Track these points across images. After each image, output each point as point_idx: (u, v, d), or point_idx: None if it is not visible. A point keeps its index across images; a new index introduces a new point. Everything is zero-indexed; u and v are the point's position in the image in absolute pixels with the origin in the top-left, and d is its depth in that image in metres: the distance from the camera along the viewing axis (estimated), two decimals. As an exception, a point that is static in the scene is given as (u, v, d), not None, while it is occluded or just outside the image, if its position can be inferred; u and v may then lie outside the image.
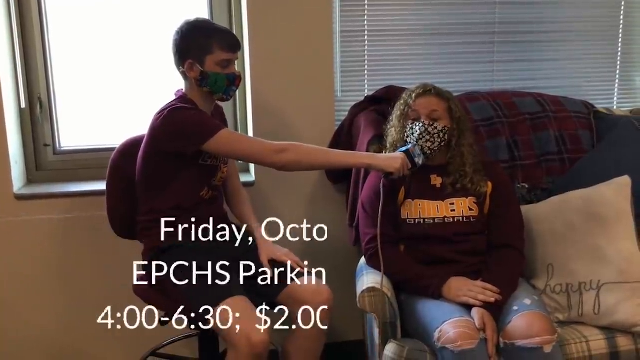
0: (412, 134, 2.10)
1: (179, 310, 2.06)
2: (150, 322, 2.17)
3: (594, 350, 1.99)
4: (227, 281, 1.97)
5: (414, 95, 2.13)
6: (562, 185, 2.37)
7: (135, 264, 2.16)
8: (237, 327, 1.84)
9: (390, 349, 1.94)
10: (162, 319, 2.15)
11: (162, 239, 2.07)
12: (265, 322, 1.88)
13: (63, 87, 2.60)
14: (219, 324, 1.88)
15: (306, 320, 2.00)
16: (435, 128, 2.09)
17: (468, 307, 1.94)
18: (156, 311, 2.15)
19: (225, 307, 1.88)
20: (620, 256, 2.07)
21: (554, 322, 1.98)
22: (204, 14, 2.60)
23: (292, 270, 2.07)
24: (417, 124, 2.09)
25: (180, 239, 2.07)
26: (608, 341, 2.01)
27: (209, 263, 2.01)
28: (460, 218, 2.10)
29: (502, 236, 2.11)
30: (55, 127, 2.60)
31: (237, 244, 2.16)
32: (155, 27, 2.58)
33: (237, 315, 1.86)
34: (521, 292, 2.00)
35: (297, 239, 2.62)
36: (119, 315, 2.56)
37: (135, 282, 2.19)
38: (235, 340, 1.85)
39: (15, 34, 2.45)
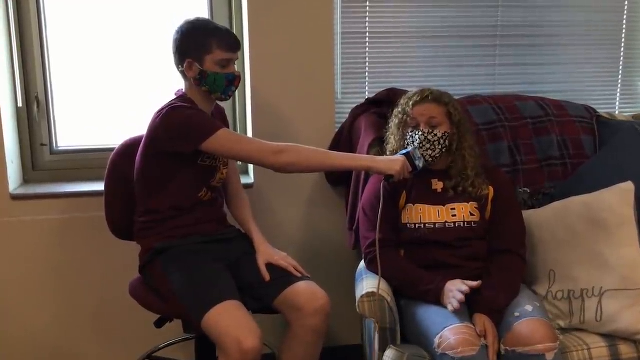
0: (412, 142, 2.08)
1: (174, 313, 2.04)
2: (146, 325, 2.15)
3: (596, 358, 1.97)
4: (221, 285, 1.95)
5: (411, 103, 2.10)
6: (564, 191, 2.35)
7: (132, 265, 2.13)
8: (229, 332, 1.82)
9: (389, 354, 1.92)
10: (158, 321, 2.13)
11: (159, 240, 2.06)
12: (258, 328, 1.85)
13: (61, 86, 2.58)
14: (210, 328, 1.86)
15: (302, 326, 1.97)
16: (435, 135, 2.06)
17: (469, 313, 1.92)
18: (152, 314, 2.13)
19: (217, 311, 1.85)
20: (622, 263, 2.05)
21: (555, 329, 1.96)
22: (204, 14, 2.59)
23: (290, 274, 2.05)
24: (417, 133, 2.07)
25: (177, 240, 2.05)
26: (610, 349, 1.99)
27: (205, 266, 2.00)
28: (462, 223, 2.08)
29: (504, 241, 2.09)
30: (52, 126, 2.58)
31: (235, 247, 2.14)
32: (155, 27, 2.56)
33: (229, 320, 1.84)
34: (523, 298, 1.98)
35: (296, 242, 2.61)
36: (114, 317, 2.55)
37: (131, 283, 2.17)
38: (226, 346, 1.82)
39: (12, 32, 2.43)
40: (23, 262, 2.49)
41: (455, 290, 1.90)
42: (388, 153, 2.16)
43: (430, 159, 2.08)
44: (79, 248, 2.51)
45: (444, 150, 2.09)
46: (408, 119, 2.11)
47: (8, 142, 2.42)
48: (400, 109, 2.14)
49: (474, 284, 1.92)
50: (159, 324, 2.14)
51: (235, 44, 2.04)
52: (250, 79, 2.53)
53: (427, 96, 2.10)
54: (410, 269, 2.05)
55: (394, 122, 2.17)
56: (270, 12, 2.48)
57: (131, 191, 2.13)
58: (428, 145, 2.06)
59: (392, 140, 2.16)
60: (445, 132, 2.08)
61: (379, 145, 2.28)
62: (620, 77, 2.94)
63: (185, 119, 1.95)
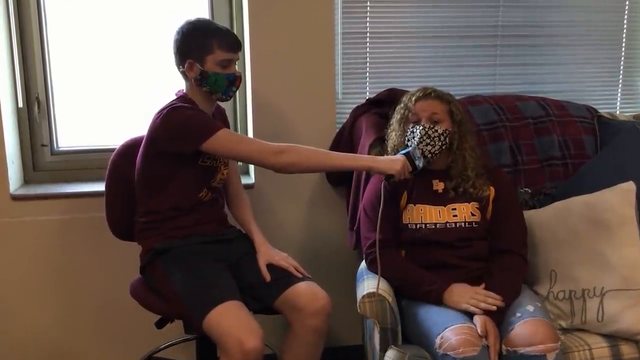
0: (413, 137, 2.08)
1: (175, 313, 2.04)
2: (146, 325, 2.15)
3: (597, 358, 1.97)
4: (222, 285, 1.95)
5: (414, 98, 2.11)
6: (565, 191, 2.34)
7: (132, 266, 2.13)
8: (230, 332, 1.82)
9: (390, 355, 1.92)
10: (159, 322, 2.13)
11: (160, 240, 2.05)
12: (259, 328, 1.84)
13: (61, 87, 2.58)
14: (211, 329, 1.86)
15: (303, 326, 1.97)
16: (436, 131, 2.06)
17: (470, 314, 1.92)
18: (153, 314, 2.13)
19: (219, 311, 1.85)
20: (624, 263, 2.05)
21: (556, 329, 1.95)
22: (205, 14, 2.58)
23: (290, 275, 2.04)
24: (418, 128, 2.07)
25: (177, 241, 2.05)
26: (611, 349, 1.99)
27: (206, 266, 2.00)
28: (463, 223, 2.07)
29: (505, 242, 2.08)
30: (52, 127, 2.58)
31: (235, 247, 2.14)
32: (155, 27, 2.56)
33: (231, 320, 1.84)
34: (524, 299, 1.97)
35: (296, 242, 2.61)
36: (115, 317, 2.55)
37: (132, 284, 2.17)
38: (227, 346, 1.81)
39: (13, 32, 2.43)
40: (24, 263, 2.48)
41: (484, 296, 1.92)
42: (389, 149, 2.16)
43: (430, 155, 2.07)
44: (80, 249, 2.51)
45: (443, 148, 2.08)
46: (410, 114, 2.11)
47: (8, 143, 2.42)
48: (402, 105, 2.15)
49: (497, 299, 1.93)
50: (159, 324, 2.14)
51: (236, 44, 2.04)
52: (251, 79, 2.53)
53: (430, 93, 2.11)
54: (411, 269, 2.05)
55: (395, 117, 2.17)
56: (270, 12, 2.48)
57: (132, 192, 2.13)
58: (428, 141, 2.06)
59: (392, 135, 2.16)
60: (446, 129, 2.08)
61: (379, 146, 2.28)
62: (621, 77, 2.94)
63: (185, 119, 1.95)
